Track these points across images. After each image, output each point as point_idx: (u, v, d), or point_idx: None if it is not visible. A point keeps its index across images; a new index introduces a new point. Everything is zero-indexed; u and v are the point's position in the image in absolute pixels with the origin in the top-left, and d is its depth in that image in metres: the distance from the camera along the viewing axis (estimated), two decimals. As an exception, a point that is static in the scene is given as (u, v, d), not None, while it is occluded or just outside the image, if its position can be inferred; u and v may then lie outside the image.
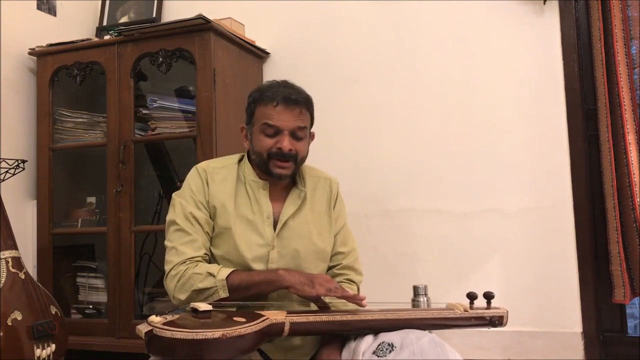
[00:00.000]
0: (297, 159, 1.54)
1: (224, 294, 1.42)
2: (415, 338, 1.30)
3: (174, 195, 1.60)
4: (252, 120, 1.57)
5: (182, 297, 1.46)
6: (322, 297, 1.43)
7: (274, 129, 1.50)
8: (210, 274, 1.44)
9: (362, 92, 2.69)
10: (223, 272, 1.44)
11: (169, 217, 1.57)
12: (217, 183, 1.57)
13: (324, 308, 1.44)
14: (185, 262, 1.48)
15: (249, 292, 1.44)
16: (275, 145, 1.51)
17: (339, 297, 1.44)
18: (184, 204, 1.55)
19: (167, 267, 1.51)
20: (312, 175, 1.66)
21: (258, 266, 1.51)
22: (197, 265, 1.47)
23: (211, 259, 1.55)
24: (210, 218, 1.54)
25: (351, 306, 1.51)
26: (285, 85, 1.56)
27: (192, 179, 1.59)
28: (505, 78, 2.52)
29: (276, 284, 1.43)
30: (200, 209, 1.53)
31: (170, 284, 1.49)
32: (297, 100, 1.52)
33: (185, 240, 1.51)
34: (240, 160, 1.64)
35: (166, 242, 1.55)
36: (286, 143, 1.50)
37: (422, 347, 1.28)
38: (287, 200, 1.59)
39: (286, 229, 1.55)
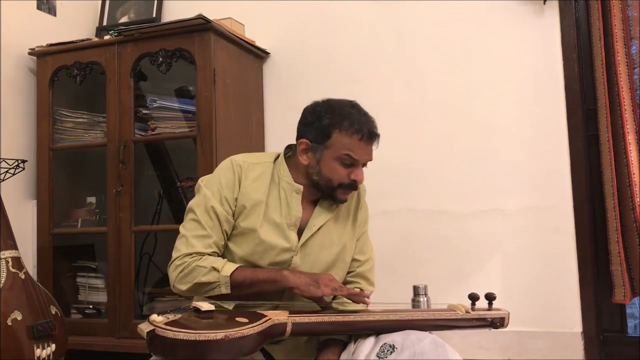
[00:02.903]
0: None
1: (225, 290, 1.42)
2: (417, 339, 1.30)
3: (200, 181, 1.57)
4: (326, 143, 1.49)
5: (183, 287, 1.45)
6: (326, 297, 1.43)
7: (353, 160, 1.49)
8: (215, 269, 1.42)
9: (362, 92, 2.65)
10: (228, 267, 1.43)
11: (191, 202, 1.54)
12: (250, 181, 1.53)
13: (326, 308, 1.44)
14: (192, 254, 1.46)
15: (252, 289, 1.43)
16: (348, 175, 1.49)
17: (344, 296, 1.44)
18: (208, 195, 1.51)
19: (174, 254, 1.49)
20: None
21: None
22: (202, 258, 1.46)
23: (228, 256, 1.52)
24: (234, 216, 1.51)
25: (358, 307, 1.52)
26: (365, 113, 1.53)
27: (224, 171, 1.55)
28: (505, 78, 2.52)
29: (280, 283, 1.42)
30: (223, 205, 1.50)
31: (172, 272, 1.48)
32: (376, 135, 1.52)
33: (198, 234, 1.48)
34: (275, 159, 1.60)
35: (180, 228, 1.53)
36: (362, 176, 1.51)
37: (423, 348, 1.28)
38: (316, 209, 1.57)
39: (310, 237, 1.54)
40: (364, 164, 1.53)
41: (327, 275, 1.46)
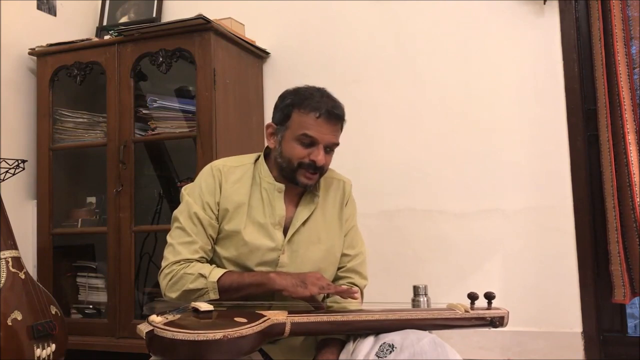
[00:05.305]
0: (323, 172, 1.54)
1: (214, 295, 1.43)
2: (416, 339, 1.30)
3: (183, 189, 1.58)
4: (286, 124, 1.51)
5: (173, 295, 1.47)
6: (317, 296, 1.43)
7: (311, 140, 1.48)
8: (202, 275, 1.44)
9: (362, 92, 2.69)
10: (215, 273, 1.44)
11: (175, 211, 1.56)
12: (231, 184, 1.54)
13: (318, 307, 1.44)
14: (179, 262, 1.48)
15: (240, 293, 1.44)
16: (308, 156, 1.48)
17: (332, 294, 1.45)
18: (190, 202, 1.53)
19: (162, 263, 1.51)
20: (326, 177, 1.63)
21: (265, 270, 1.50)
22: (189, 265, 1.47)
23: (216, 259, 1.54)
24: (217, 220, 1.53)
25: (353, 304, 1.52)
26: (328, 96, 1.52)
27: (205, 177, 1.56)
28: (505, 78, 2.52)
29: (267, 286, 1.43)
30: (205, 211, 1.51)
31: (162, 281, 1.50)
32: (338, 116, 1.50)
33: (184, 241, 1.50)
34: (256, 160, 1.61)
35: (167, 237, 1.55)
36: (321, 157, 1.48)
37: (422, 347, 1.28)
38: (300, 205, 1.57)
39: (297, 234, 1.54)
40: (329, 148, 1.51)
41: (314, 274, 1.45)
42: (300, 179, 1.51)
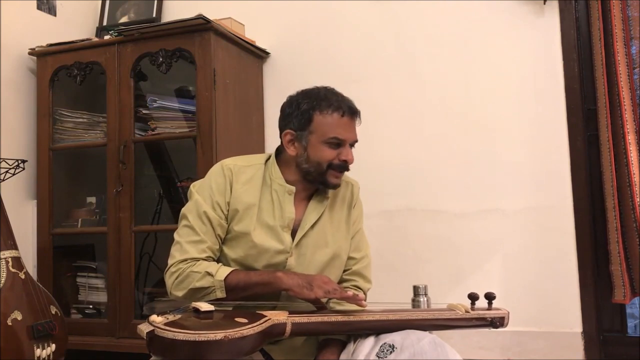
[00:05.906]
0: (348, 169, 1.56)
1: (221, 294, 1.42)
2: (416, 339, 1.30)
3: (192, 186, 1.57)
4: (309, 128, 1.50)
5: (179, 294, 1.46)
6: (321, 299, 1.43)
7: (340, 141, 1.49)
8: (209, 274, 1.43)
9: (362, 92, 2.64)
10: (222, 272, 1.43)
11: (183, 209, 1.55)
12: (242, 184, 1.53)
13: (321, 309, 1.44)
14: (186, 260, 1.47)
15: (247, 292, 1.43)
16: (337, 156, 1.50)
17: (338, 299, 1.44)
18: (200, 201, 1.51)
19: (169, 261, 1.50)
20: None
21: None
22: (196, 263, 1.46)
23: (222, 260, 1.53)
24: (227, 220, 1.52)
25: (354, 306, 1.52)
26: (341, 94, 1.54)
27: (215, 176, 1.55)
28: (505, 78, 2.52)
29: (274, 285, 1.42)
30: (215, 210, 1.50)
31: (168, 280, 1.49)
32: (357, 111, 1.53)
33: (192, 239, 1.49)
34: (266, 161, 1.60)
35: (175, 234, 1.54)
36: (351, 155, 1.51)
37: (422, 348, 1.28)
38: (309, 207, 1.57)
39: (305, 237, 1.54)
40: (352, 145, 1.53)
41: (321, 277, 1.45)
42: (331, 179, 1.52)
